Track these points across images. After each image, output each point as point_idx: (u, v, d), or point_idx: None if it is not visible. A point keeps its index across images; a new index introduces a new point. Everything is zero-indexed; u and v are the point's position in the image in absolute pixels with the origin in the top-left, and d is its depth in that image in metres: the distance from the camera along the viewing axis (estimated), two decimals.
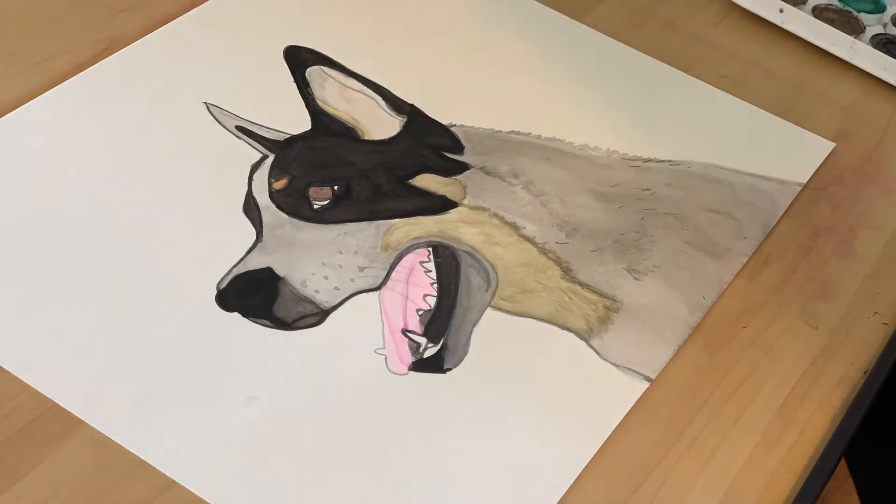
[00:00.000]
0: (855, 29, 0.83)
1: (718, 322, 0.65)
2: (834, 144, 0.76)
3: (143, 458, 0.53)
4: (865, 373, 0.63)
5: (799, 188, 0.72)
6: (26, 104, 0.69)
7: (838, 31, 0.81)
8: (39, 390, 0.55)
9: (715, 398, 0.61)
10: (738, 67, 0.81)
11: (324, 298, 0.61)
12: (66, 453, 0.54)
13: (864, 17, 0.83)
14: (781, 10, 0.83)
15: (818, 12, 0.83)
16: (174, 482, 0.53)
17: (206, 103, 0.70)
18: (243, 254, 0.63)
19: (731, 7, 0.85)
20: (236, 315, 0.60)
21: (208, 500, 0.52)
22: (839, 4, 0.84)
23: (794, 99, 0.80)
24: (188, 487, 0.53)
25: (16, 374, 0.56)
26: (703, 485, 0.58)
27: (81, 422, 0.55)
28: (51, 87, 0.71)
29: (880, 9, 0.84)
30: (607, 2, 0.84)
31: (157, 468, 0.53)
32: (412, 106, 0.73)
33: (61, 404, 0.55)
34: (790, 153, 0.75)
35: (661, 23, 0.84)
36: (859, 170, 0.75)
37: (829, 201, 0.73)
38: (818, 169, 0.74)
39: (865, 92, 0.81)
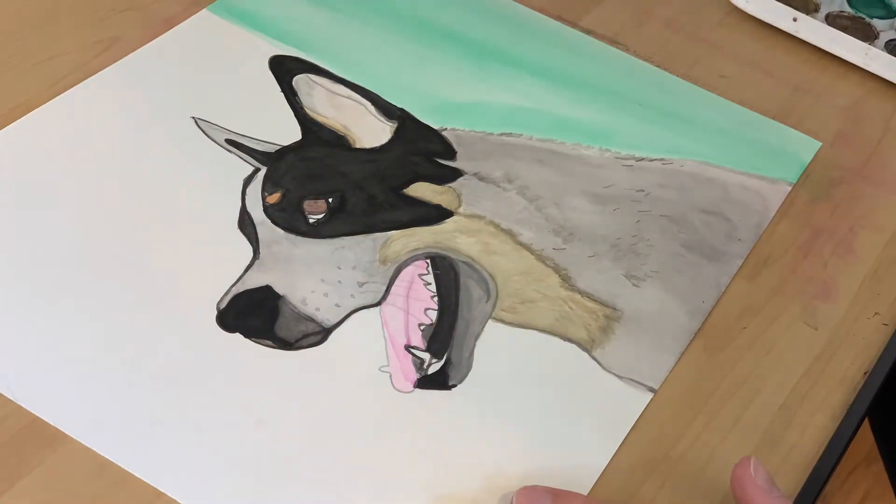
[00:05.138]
0: (868, 35, 0.83)
1: (718, 323, 0.65)
2: (821, 144, 0.76)
3: (153, 485, 0.53)
4: (866, 373, 0.64)
5: (789, 187, 0.73)
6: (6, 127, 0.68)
7: (853, 39, 0.82)
8: (44, 419, 0.55)
9: (715, 399, 0.62)
10: (738, 68, 0.81)
11: (325, 316, 0.61)
12: (57, 462, 0.54)
13: (876, 22, 0.83)
14: (795, 19, 0.83)
15: (831, 20, 0.83)
16: (163, 494, 0.53)
17: (193, 118, 0.70)
18: (241, 272, 0.62)
19: (731, 8, 0.86)
20: (238, 336, 0.60)
21: None
22: (851, 11, 0.84)
23: (794, 99, 0.80)
24: None
25: (19, 403, 0.55)
26: (703, 485, 0.58)
27: (61, 435, 0.55)
28: (50, 88, 0.70)
29: (892, 14, 0.84)
30: (607, 2, 0.84)
31: (168, 494, 0.53)
32: (402, 110, 0.73)
33: (68, 433, 0.55)
34: (779, 152, 0.75)
35: (661, 23, 0.84)
36: (859, 170, 0.76)
37: (828, 202, 0.73)
38: (818, 169, 0.74)
39: (865, 92, 0.82)
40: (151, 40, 0.74)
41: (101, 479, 0.54)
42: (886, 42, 0.83)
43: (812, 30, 0.83)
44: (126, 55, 0.73)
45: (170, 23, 0.76)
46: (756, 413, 0.61)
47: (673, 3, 0.86)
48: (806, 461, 0.60)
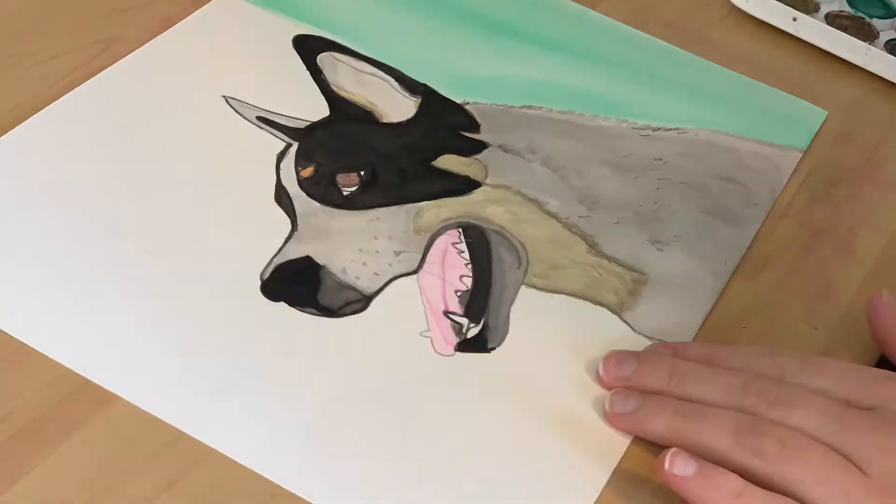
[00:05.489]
0: (868, 35, 0.83)
1: (718, 322, 0.66)
2: (827, 112, 0.78)
3: (214, 447, 0.55)
4: None
5: (800, 154, 0.75)
6: (41, 111, 0.69)
7: (853, 38, 0.83)
8: (103, 386, 0.57)
9: None
10: (738, 67, 0.82)
11: (365, 284, 0.63)
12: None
13: (876, 22, 0.84)
14: (795, 19, 0.84)
15: (831, 19, 0.84)
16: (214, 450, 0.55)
17: (224, 96, 0.72)
18: (281, 243, 0.64)
19: (731, 7, 0.87)
20: (282, 304, 0.62)
21: (279, 482, 0.54)
22: (851, 11, 0.85)
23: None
24: (261, 473, 0.55)
25: (85, 376, 0.57)
26: None
27: (114, 397, 0.56)
28: (50, 88, 0.71)
29: (892, 13, 0.85)
30: (607, 2, 0.86)
31: (227, 455, 0.55)
32: (425, 85, 0.75)
33: (126, 398, 0.56)
34: (787, 120, 0.78)
35: (661, 22, 0.85)
36: (859, 170, 0.77)
37: (828, 201, 0.74)
38: (818, 169, 0.76)
39: (865, 92, 0.83)
40: (174, 26, 0.76)
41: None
42: (886, 42, 0.83)
43: (812, 30, 0.84)
44: (126, 55, 0.74)
45: (170, 22, 0.77)
46: None
47: (673, 3, 0.87)
48: None
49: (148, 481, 0.54)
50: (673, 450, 0.55)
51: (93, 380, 0.57)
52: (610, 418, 0.58)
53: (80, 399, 0.56)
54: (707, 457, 0.54)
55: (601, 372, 0.60)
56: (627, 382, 0.59)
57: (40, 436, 0.55)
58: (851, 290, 0.69)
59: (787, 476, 0.53)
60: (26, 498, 0.53)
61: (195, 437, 0.55)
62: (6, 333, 0.58)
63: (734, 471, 0.54)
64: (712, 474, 0.54)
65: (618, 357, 0.60)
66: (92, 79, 0.71)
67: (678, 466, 0.54)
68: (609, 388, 0.59)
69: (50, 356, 0.57)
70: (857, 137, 0.79)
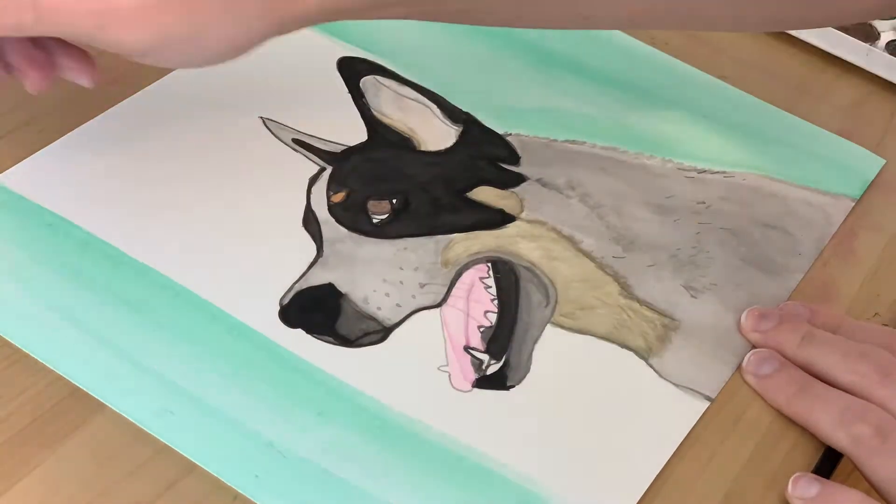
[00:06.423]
0: (869, 36, 0.83)
1: None
2: (885, 161, 0.76)
3: (214, 474, 0.54)
4: None
5: (852, 203, 0.73)
6: (80, 126, 0.68)
7: (854, 39, 0.82)
8: (112, 407, 0.56)
9: (714, 399, 0.62)
10: (738, 68, 0.81)
11: (386, 315, 0.62)
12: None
13: (877, 23, 0.84)
14: None
15: None
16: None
17: (261, 117, 0.71)
18: (304, 269, 0.63)
19: None
20: (299, 331, 0.61)
21: None
22: None
23: (794, 99, 0.80)
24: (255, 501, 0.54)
25: (98, 398, 0.56)
26: (703, 486, 0.58)
27: (101, 406, 0.56)
28: (50, 88, 0.69)
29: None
30: None
31: (227, 483, 0.54)
32: (467, 114, 0.74)
33: (139, 425, 0.56)
34: (842, 168, 0.75)
35: None
36: None
37: None
38: None
39: (866, 92, 0.82)
40: None
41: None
42: (887, 43, 0.83)
43: (813, 31, 0.83)
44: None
45: None
46: (756, 413, 0.62)
47: None
48: (806, 461, 0.60)
49: (147, 482, 0.54)
50: (796, 474, 0.58)
51: (102, 400, 0.56)
52: (744, 373, 0.62)
53: (79, 401, 0.56)
54: (816, 435, 0.60)
55: (743, 321, 0.64)
56: (765, 336, 0.63)
57: (40, 437, 0.55)
58: (851, 291, 0.69)
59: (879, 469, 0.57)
60: (26, 499, 0.53)
61: (204, 468, 0.55)
62: (4, 337, 0.58)
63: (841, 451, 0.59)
64: (833, 493, 0.56)
65: (761, 311, 0.64)
66: (133, 95, 0.71)
67: (800, 488, 0.57)
68: (747, 338, 0.64)
69: (61, 373, 0.57)
70: (858, 138, 0.78)
